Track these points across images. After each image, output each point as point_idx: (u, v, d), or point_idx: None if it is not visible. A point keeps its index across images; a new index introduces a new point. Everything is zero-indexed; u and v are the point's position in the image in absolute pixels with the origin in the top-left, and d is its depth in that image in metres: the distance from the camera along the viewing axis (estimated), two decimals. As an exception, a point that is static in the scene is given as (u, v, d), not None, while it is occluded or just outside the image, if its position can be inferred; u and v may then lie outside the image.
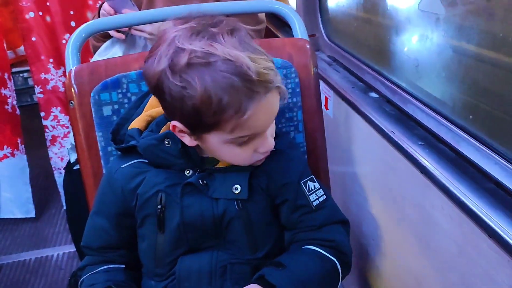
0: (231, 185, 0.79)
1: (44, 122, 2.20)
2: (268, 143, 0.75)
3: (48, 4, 2.10)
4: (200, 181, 0.79)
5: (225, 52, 0.65)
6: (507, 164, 0.75)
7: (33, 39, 2.12)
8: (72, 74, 0.92)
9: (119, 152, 0.88)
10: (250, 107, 0.66)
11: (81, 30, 0.98)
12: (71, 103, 0.92)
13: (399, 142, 0.96)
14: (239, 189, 0.78)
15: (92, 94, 0.91)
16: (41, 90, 2.17)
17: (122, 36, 1.25)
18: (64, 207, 2.24)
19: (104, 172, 0.92)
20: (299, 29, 1.05)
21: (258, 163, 0.79)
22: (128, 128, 0.85)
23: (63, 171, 2.23)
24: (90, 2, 2.15)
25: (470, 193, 0.76)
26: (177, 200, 0.79)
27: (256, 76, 0.65)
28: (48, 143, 2.23)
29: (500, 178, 0.75)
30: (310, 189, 0.83)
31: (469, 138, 0.83)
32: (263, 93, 0.67)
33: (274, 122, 0.78)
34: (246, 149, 0.74)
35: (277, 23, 1.92)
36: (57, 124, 2.23)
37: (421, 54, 1.02)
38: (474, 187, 0.77)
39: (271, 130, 0.77)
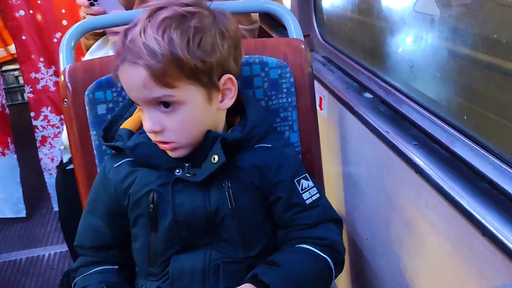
0: (210, 159, 0.78)
1: (34, 123, 2.19)
2: (145, 122, 0.75)
3: (39, 2, 2.08)
4: (187, 174, 0.79)
5: (139, 19, 0.73)
6: (500, 163, 0.76)
7: (23, 37, 2.10)
8: (66, 73, 0.92)
9: (113, 151, 0.87)
10: (118, 65, 0.73)
11: (76, 28, 0.97)
12: (65, 101, 0.92)
13: (393, 142, 0.96)
14: (216, 158, 0.77)
15: (86, 93, 0.91)
16: (31, 89, 2.15)
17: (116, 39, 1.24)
18: (55, 208, 2.23)
19: (98, 171, 0.92)
20: (294, 29, 1.05)
21: (161, 146, 0.78)
22: (120, 127, 0.85)
23: (53, 172, 2.22)
24: (83, 1, 2.13)
25: (464, 193, 0.76)
26: (168, 198, 0.79)
27: (129, 42, 0.72)
28: (38, 144, 2.21)
29: (493, 177, 0.76)
30: (303, 187, 0.83)
31: (463, 138, 0.84)
32: (125, 60, 0.72)
33: (179, 119, 0.74)
34: (142, 116, 0.77)
35: (271, 23, 1.92)
36: (47, 125, 2.21)
37: (416, 55, 1.03)
38: (468, 187, 0.77)
39: (158, 118, 0.74)
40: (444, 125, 0.89)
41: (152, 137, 0.77)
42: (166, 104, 0.73)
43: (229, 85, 0.78)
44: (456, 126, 0.87)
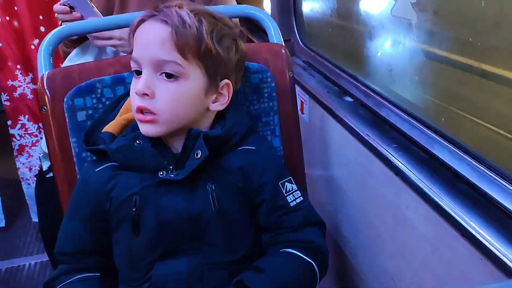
0: (194, 155, 0.78)
1: (11, 131, 2.14)
2: (138, 84, 0.76)
3: (16, 8, 2.05)
4: (171, 175, 0.79)
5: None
6: (478, 165, 0.77)
7: (0, 44, 2.06)
8: (45, 79, 0.90)
9: (94, 157, 0.86)
10: (143, 20, 0.78)
11: (54, 34, 0.96)
12: (44, 108, 0.91)
13: (374, 145, 0.97)
14: (199, 154, 0.78)
15: (65, 100, 0.90)
16: (8, 97, 2.11)
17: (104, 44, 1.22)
18: (33, 219, 2.18)
19: (78, 178, 0.91)
20: (275, 34, 1.06)
21: (140, 116, 0.78)
22: (102, 131, 0.84)
23: (31, 182, 2.18)
24: (61, 7, 2.11)
25: (443, 194, 0.78)
26: (152, 201, 0.78)
27: (164, 6, 0.78)
28: (15, 153, 2.16)
29: (471, 179, 0.77)
30: (287, 190, 0.84)
31: (441, 140, 0.85)
32: (154, 17, 0.77)
33: (167, 85, 0.76)
34: (134, 83, 0.78)
35: (252, 28, 1.92)
36: (25, 133, 2.16)
37: (394, 58, 1.04)
38: (447, 188, 0.78)
39: (154, 83, 0.76)
40: (423, 128, 0.91)
41: (138, 100, 0.77)
42: (169, 75, 0.76)
43: (225, 91, 0.82)
44: (434, 129, 0.89)
